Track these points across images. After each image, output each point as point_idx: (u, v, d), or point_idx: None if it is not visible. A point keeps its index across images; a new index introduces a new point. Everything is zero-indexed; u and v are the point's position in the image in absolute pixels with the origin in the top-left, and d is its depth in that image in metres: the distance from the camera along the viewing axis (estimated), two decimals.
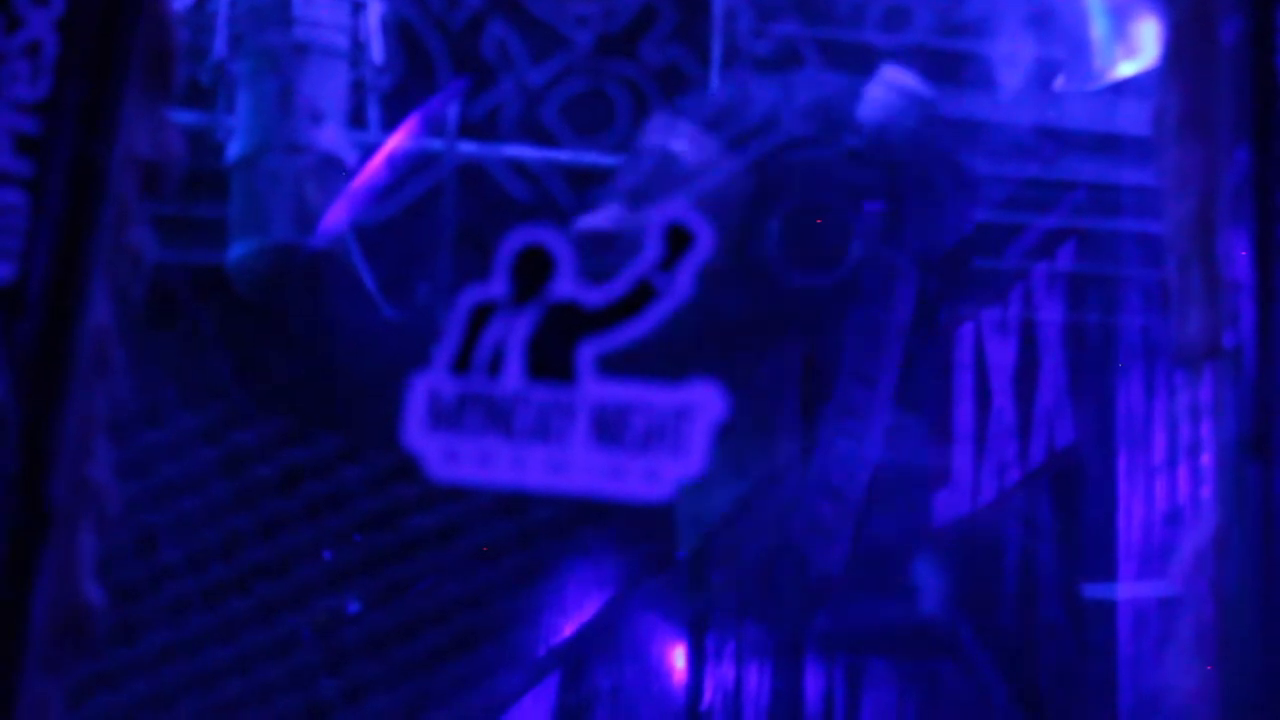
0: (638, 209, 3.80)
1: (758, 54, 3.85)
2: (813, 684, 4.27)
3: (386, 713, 4.97)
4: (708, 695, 4.43)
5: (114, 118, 1.74)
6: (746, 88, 3.89)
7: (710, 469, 1.56)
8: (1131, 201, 3.81)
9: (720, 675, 4.45)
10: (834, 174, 3.89)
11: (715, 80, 3.91)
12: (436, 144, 3.94)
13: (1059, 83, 3.99)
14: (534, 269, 1.59)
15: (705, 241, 1.54)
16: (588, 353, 1.57)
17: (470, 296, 1.59)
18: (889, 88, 3.87)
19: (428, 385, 1.58)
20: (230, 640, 4.93)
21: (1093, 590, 3.69)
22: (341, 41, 3.88)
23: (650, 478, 1.55)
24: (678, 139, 3.85)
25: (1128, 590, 3.56)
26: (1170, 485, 3.49)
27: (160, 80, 1.80)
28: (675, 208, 1.59)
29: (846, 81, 3.89)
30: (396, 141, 3.92)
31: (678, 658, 4.54)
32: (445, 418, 1.57)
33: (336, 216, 3.84)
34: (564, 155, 3.84)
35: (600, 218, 3.80)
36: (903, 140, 3.90)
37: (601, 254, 3.48)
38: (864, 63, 3.97)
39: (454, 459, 1.56)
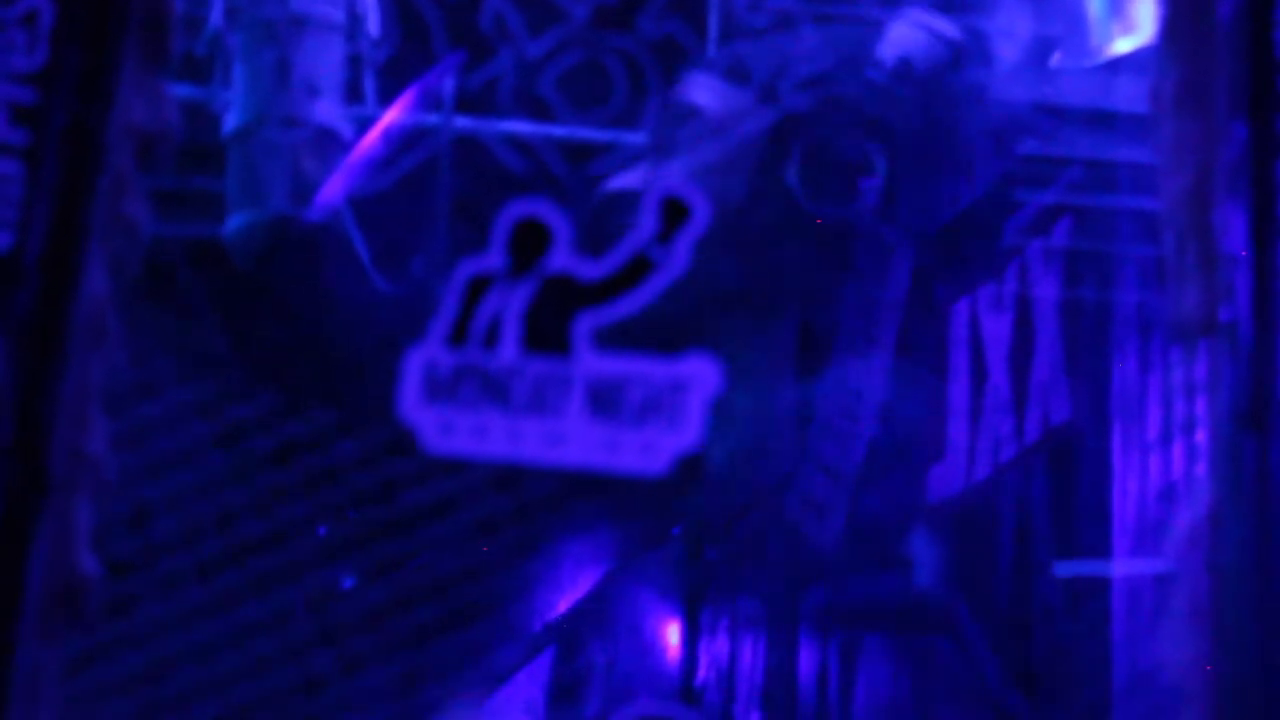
0: (663, 164, 3.79)
1: (754, 27, 3.85)
2: (807, 659, 4.28)
3: (381, 687, 4.98)
4: (702, 670, 4.44)
5: (111, 88, 1.74)
6: (768, 39, 3.88)
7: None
8: (1128, 178, 3.81)
9: (714, 650, 4.45)
10: (854, 108, 3.89)
11: (711, 51, 3.91)
12: (433, 117, 3.94)
13: (1056, 59, 3.99)
14: (530, 242, 1.59)
15: (701, 214, 1.54)
16: (584, 325, 1.56)
17: (467, 269, 1.59)
18: (913, 24, 3.86)
19: (423, 358, 1.57)
20: (225, 614, 4.93)
21: (1087, 566, 3.69)
22: (338, 14, 3.87)
23: (646, 450, 1.55)
24: (698, 91, 3.84)
25: (1122, 566, 3.56)
26: (1165, 461, 3.49)
27: (157, 51, 1.80)
28: (671, 180, 1.59)
29: (870, 35, 3.89)
30: (393, 115, 3.92)
31: (672, 633, 4.55)
32: (441, 390, 1.57)
33: (332, 189, 3.84)
34: (559, 130, 3.84)
35: (628, 177, 3.79)
36: (925, 76, 3.89)
37: (628, 212, 3.48)
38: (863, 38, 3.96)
39: (450, 431, 1.56)
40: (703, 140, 3.74)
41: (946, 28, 3.89)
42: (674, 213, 1.59)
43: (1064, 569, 3.64)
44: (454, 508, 5.04)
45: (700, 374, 1.57)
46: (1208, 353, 1.76)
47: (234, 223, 3.91)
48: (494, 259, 1.61)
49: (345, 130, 3.88)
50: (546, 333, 1.59)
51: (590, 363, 1.58)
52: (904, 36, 3.87)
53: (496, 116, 3.87)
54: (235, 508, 4.99)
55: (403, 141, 3.93)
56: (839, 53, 3.78)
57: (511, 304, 1.60)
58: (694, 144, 3.76)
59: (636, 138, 3.91)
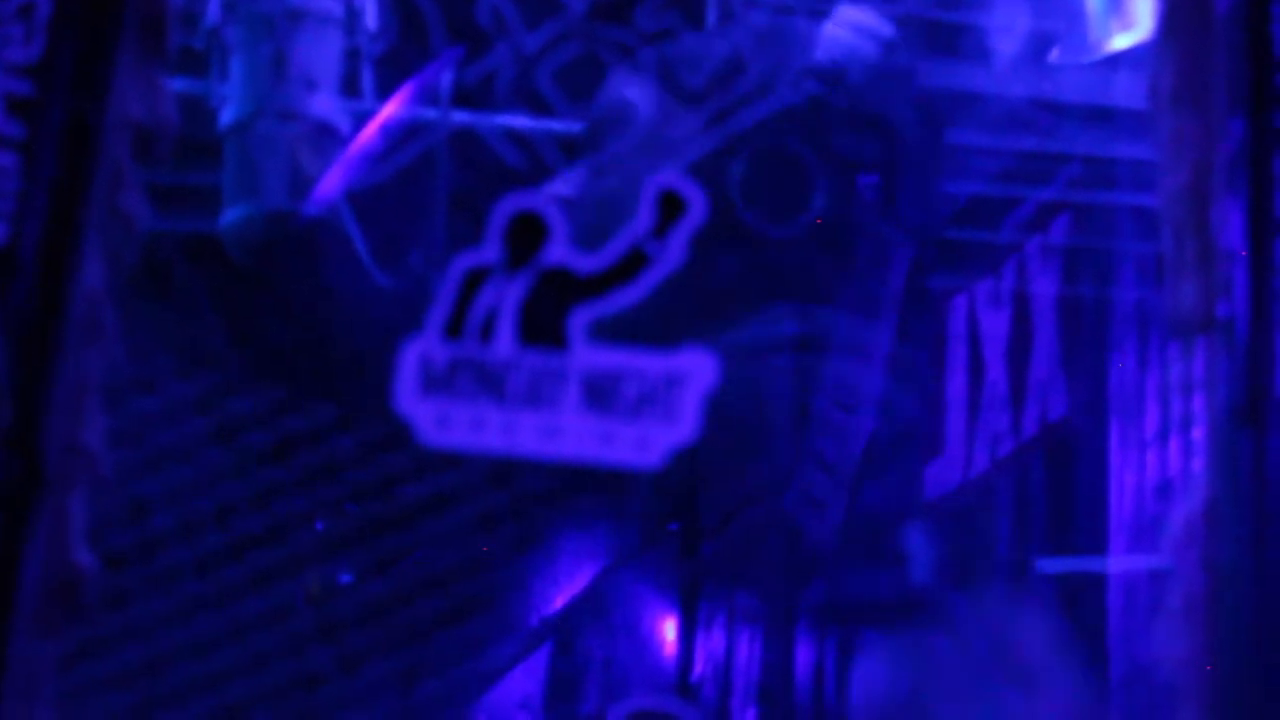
0: (600, 167, 3.77)
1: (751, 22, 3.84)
2: (803, 654, 4.28)
3: (380, 681, 4.97)
4: (699, 665, 4.44)
5: (107, 81, 1.74)
6: (704, 38, 3.86)
7: None
8: (1126, 174, 3.81)
9: (711, 646, 4.45)
10: (797, 121, 3.86)
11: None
12: (430, 112, 3.94)
13: (1054, 55, 3.99)
14: (527, 235, 1.59)
15: (697, 208, 1.54)
16: (580, 319, 1.57)
17: (463, 262, 1.59)
18: (845, 27, 3.83)
19: (420, 351, 1.58)
20: (223, 608, 4.93)
21: (1084, 562, 3.70)
22: (336, 8, 3.87)
23: (641, 444, 1.55)
24: (631, 88, 3.82)
25: (1119, 562, 3.57)
26: (1162, 457, 3.50)
27: (155, 44, 1.80)
28: (668, 175, 1.59)
29: (806, 26, 3.84)
30: (390, 108, 3.91)
31: (669, 629, 4.55)
32: (437, 383, 1.57)
33: (330, 183, 3.84)
34: (556, 124, 3.83)
35: (562, 183, 3.76)
36: (865, 79, 3.86)
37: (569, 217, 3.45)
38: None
39: (446, 424, 1.56)
40: (637, 151, 3.73)
41: (879, 23, 3.85)
42: (670, 207, 1.59)
43: (1053, 565, 3.64)
44: (452, 503, 5.04)
45: (696, 367, 1.57)
46: (1205, 349, 1.76)
47: (231, 217, 3.91)
48: (490, 252, 1.61)
49: (343, 124, 3.87)
50: (542, 326, 1.59)
51: (586, 356, 1.58)
52: (834, 39, 3.82)
53: (494, 111, 3.87)
54: (233, 502, 4.98)
55: (400, 135, 3.93)
56: (774, 54, 3.74)
57: (508, 297, 1.60)
58: (630, 154, 3.75)
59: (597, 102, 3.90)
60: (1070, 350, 3.90)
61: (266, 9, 3.81)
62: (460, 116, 3.97)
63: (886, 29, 3.84)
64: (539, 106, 3.78)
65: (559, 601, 5.00)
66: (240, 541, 4.97)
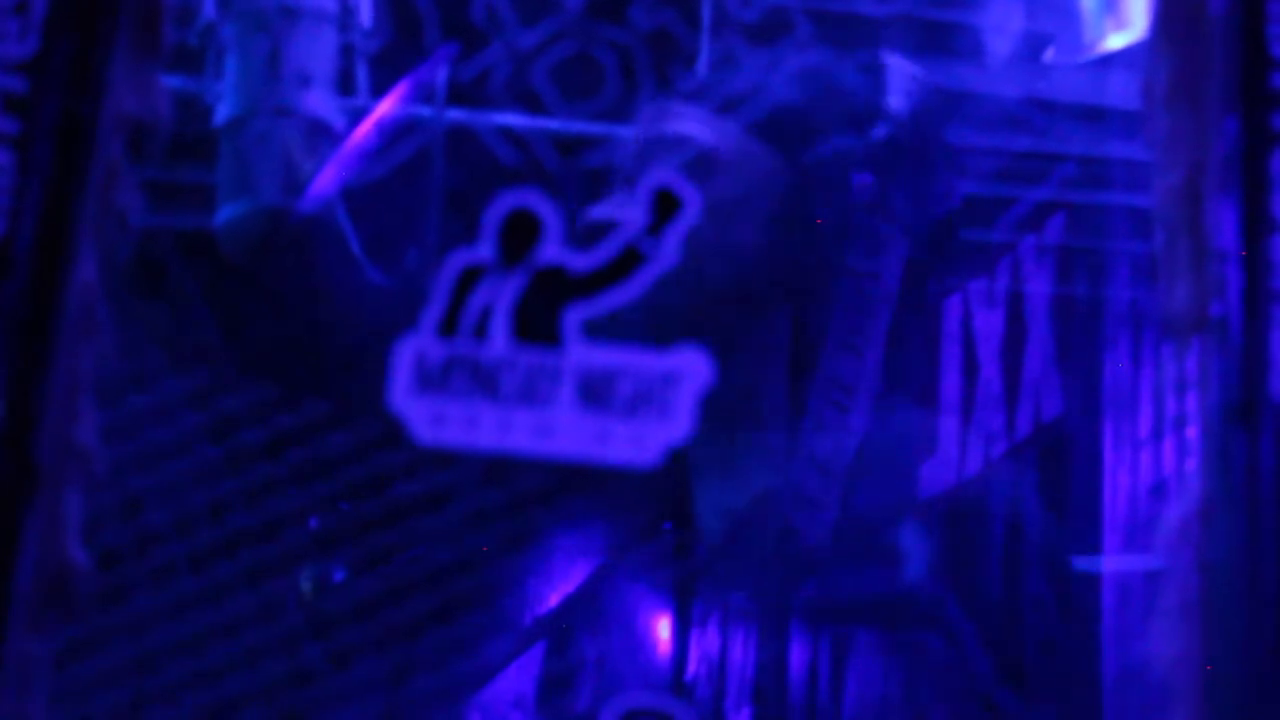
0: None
1: (746, 21, 3.84)
2: (798, 654, 4.28)
3: (372, 678, 4.97)
4: (693, 665, 4.44)
5: (102, 78, 1.74)
6: (745, 69, 3.85)
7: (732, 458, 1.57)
8: (1120, 174, 3.81)
9: (705, 645, 4.45)
10: (864, 164, 3.87)
11: (704, 45, 3.90)
12: (425, 109, 3.94)
13: (1049, 55, 3.99)
14: (521, 233, 1.59)
15: (693, 206, 1.55)
16: (574, 317, 1.57)
17: (458, 260, 1.59)
18: (906, 77, 3.84)
19: (414, 348, 1.58)
20: (216, 605, 4.93)
21: (1078, 562, 3.70)
22: (330, 5, 3.86)
23: (636, 442, 1.55)
24: (687, 122, 3.81)
25: (1113, 562, 3.57)
26: (1156, 457, 3.50)
27: (150, 41, 1.80)
28: (663, 174, 1.59)
29: (847, 63, 3.84)
30: (385, 106, 3.92)
31: (663, 628, 4.55)
32: (431, 381, 1.58)
33: (324, 181, 3.84)
34: (551, 122, 3.83)
35: (606, 208, 3.73)
36: (923, 129, 3.88)
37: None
38: (853, 33, 3.96)
39: (440, 422, 1.57)
40: (713, 176, 3.70)
41: (925, 74, 3.86)
42: (666, 204, 1.59)
43: (1089, 563, 3.64)
44: (446, 501, 5.04)
45: (691, 366, 1.57)
46: (1199, 348, 1.77)
47: (224, 213, 3.91)
48: (485, 250, 1.61)
49: (337, 122, 3.87)
50: (537, 324, 1.59)
51: (580, 355, 1.58)
52: (904, 90, 3.82)
53: (489, 108, 3.87)
54: (226, 499, 4.98)
55: (395, 133, 3.93)
56: (831, 99, 3.73)
57: (502, 295, 1.60)
58: (703, 179, 3.73)
59: (628, 131, 3.90)
60: (1064, 350, 3.90)
61: (262, 5, 3.81)
62: (455, 114, 3.97)
63: (930, 78, 3.84)
64: (534, 104, 3.78)
65: (553, 600, 5.00)
66: (233, 538, 4.97)
